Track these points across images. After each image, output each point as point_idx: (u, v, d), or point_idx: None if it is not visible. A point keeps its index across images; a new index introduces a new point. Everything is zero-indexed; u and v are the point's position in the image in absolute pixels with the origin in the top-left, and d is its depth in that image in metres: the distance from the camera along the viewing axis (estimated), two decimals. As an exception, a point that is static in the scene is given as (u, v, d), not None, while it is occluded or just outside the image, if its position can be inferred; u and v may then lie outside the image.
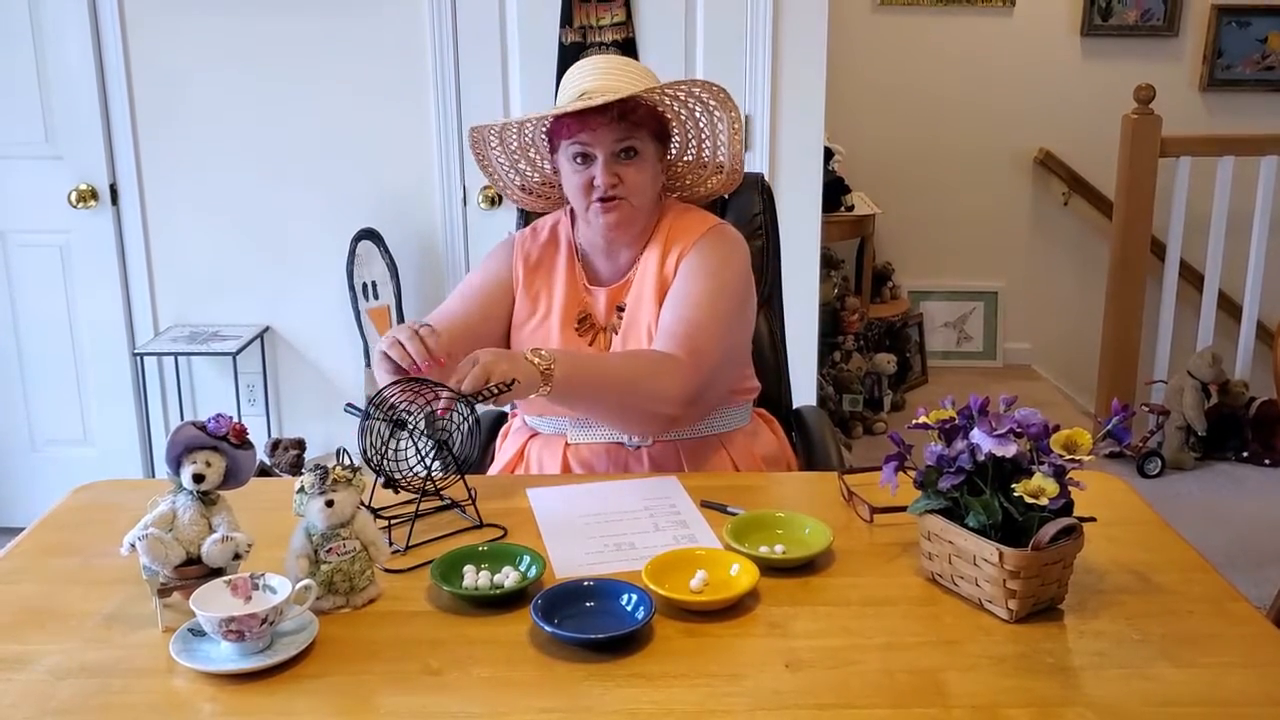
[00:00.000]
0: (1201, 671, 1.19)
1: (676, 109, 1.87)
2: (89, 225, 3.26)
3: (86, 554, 1.49)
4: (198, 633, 1.24)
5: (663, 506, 1.61)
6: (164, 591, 1.29)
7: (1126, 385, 4.16)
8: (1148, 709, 1.13)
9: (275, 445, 3.23)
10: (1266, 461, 4.04)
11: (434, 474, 1.55)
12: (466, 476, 1.57)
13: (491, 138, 1.92)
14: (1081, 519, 1.30)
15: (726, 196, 2.05)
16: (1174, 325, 4.22)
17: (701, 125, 1.90)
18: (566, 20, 3.09)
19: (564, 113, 1.77)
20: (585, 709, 1.14)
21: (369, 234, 3.23)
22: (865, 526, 1.55)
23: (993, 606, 1.30)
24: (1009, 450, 1.27)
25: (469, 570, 1.37)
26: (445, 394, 1.52)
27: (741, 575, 1.36)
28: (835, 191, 4.28)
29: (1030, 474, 1.28)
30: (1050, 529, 1.25)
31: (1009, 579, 1.27)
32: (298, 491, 1.32)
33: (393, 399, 1.51)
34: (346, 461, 1.36)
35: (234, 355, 3.16)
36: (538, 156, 1.95)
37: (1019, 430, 1.29)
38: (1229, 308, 4.59)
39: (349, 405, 1.55)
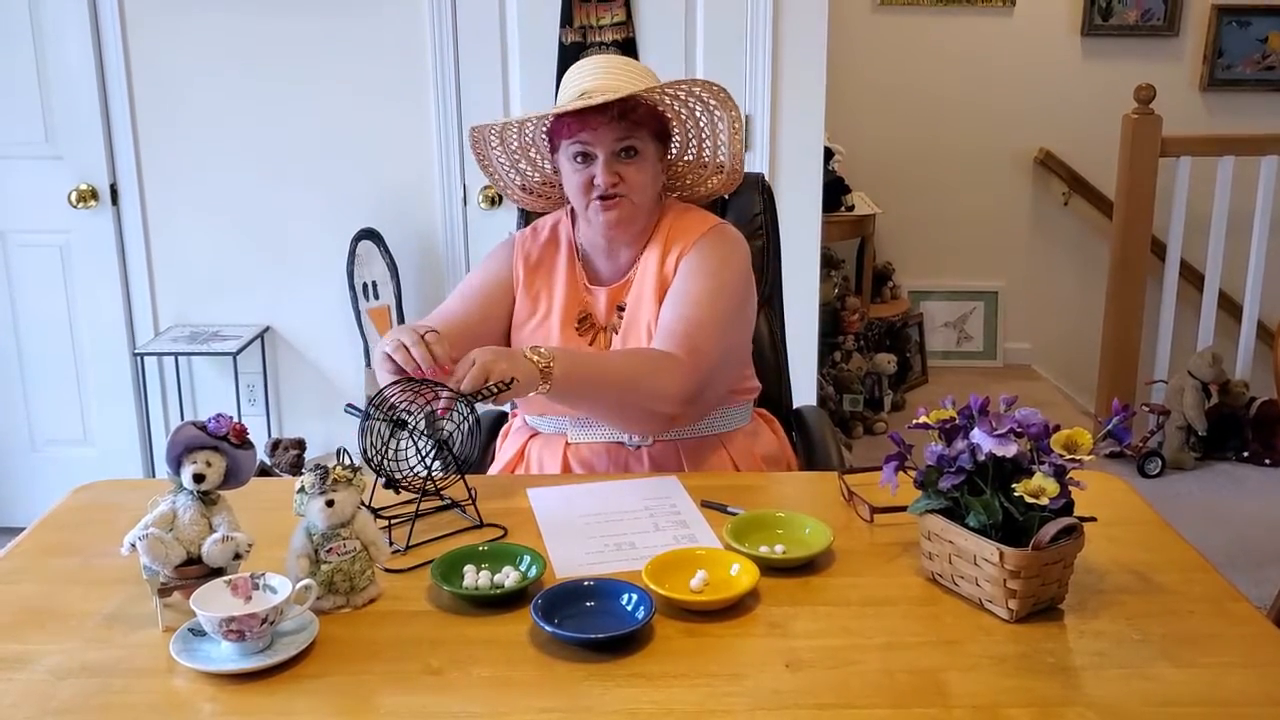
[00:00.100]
0: (1202, 671, 1.19)
1: (677, 108, 1.87)
2: (89, 225, 3.26)
3: (87, 554, 1.49)
4: (198, 632, 1.24)
5: (663, 506, 1.61)
6: (164, 591, 1.29)
7: (1127, 385, 4.16)
8: (1148, 709, 1.13)
9: (275, 445, 3.23)
10: (1267, 461, 4.04)
11: (434, 474, 1.55)
12: (467, 476, 1.57)
13: (492, 137, 1.92)
14: (1082, 519, 1.30)
15: (727, 196, 2.05)
16: (1174, 325, 4.22)
17: (702, 125, 1.90)
18: (566, 20, 3.09)
19: (564, 112, 1.77)
20: (585, 709, 1.14)
21: (369, 234, 3.23)
22: (865, 526, 1.55)
23: (993, 606, 1.30)
24: (1009, 450, 1.27)
25: (469, 570, 1.37)
26: (445, 394, 1.52)
27: (742, 575, 1.36)
28: (835, 191, 4.28)
29: (1031, 474, 1.28)
30: (1051, 529, 1.25)
31: (1009, 579, 1.27)
32: (298, 491, 1.32)
33: (393, 399, 1.51)
34: (347, 461, 1.36)
35: (234, 355, 3.16)
36: (538, 156, 1.95)
37: (1019, 430, 1.29)
38: (1229, 308, 4.59)
39: (349, 405, 1.55)
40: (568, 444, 1.85)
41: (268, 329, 3.34)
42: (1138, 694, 1.15)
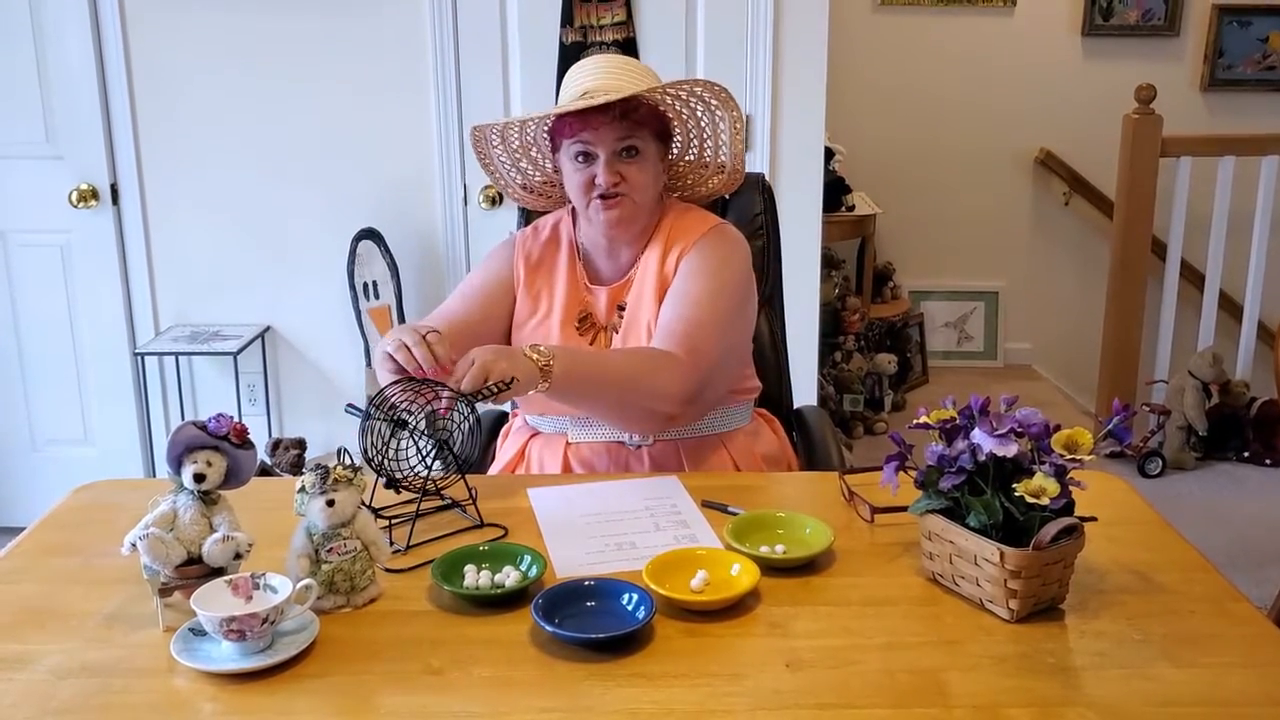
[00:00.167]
0: (1202, 671, 1.19)
1: (678, 108, 1.87)
2: (90, 225, 3.26)
3: (87, 554, 1.49)
4: (199, 632, 1.24)
5: (663, 506, 1.61)
6: (165, 591, 1.29)
7: (1127, 385, 4.16)
8: (1149, 709, 1.13)
9: (276, 445, 3.23)
10: (1267, 461, 4.04)
11: (435, 474, 1.55)
12: (467, 476, 1.57)
13: (493, 136, 1.92)
14: (1082, 519, 1.30)
15: (727, 196, 2.05)
16: (1175, 325, 4.22)
17: (703, 125, 1.90)
18: (567, 20, 3.09)
19: (566, 111, 1.77)
20: (586, 709, 1.14)
21: (369, 233, 3.23)
22: (866, 526, 1.55)
23: (994, 606, 1.30)
24: (1010, 450, 1.27)
25: (470, 570, 1.37)
26: (446, 394, 1.52)
27: (742, 575, 1.35)
28: (836, 191, 4.28)
29: (1031, 474, 1.28)
30: (1051, 529, 1.25)
31: (1010, 579, 1.27)
32: (299, 491, 1.32)
33: (393, 399, 1.51)
34: (347, 461, 1.36)
35: (235, 355, 3.16)
36: (539, 155, 1.95)
37: (1020, 430, 1.29)
38: (1230, 308, 4.59)
39: (350, 405, 1.55)
40: (568, 444, 1.85)
41: (268, 329, 3.34)
42: (1138, 694, 1.15)
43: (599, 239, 1.89)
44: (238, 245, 3.28)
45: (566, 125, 1.79)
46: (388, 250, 3.24)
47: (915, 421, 1.39)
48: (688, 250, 1.85)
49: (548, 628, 1.24)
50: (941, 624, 1.29)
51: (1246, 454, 4.08)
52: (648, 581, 1.32)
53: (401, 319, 3.27)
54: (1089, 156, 4.91)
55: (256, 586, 1.27)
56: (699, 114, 1.88)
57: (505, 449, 1.96)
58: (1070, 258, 5.15)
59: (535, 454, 1.89)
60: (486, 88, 3.14)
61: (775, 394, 2.17)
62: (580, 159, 1.80)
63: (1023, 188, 5.12)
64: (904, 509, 1.43)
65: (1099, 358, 4.30)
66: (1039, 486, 1.25)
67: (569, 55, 3.05)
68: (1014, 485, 1.27)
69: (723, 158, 1.94)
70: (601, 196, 1.80)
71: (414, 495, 1.55)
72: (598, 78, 1.79)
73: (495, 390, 1.51)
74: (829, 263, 4.44)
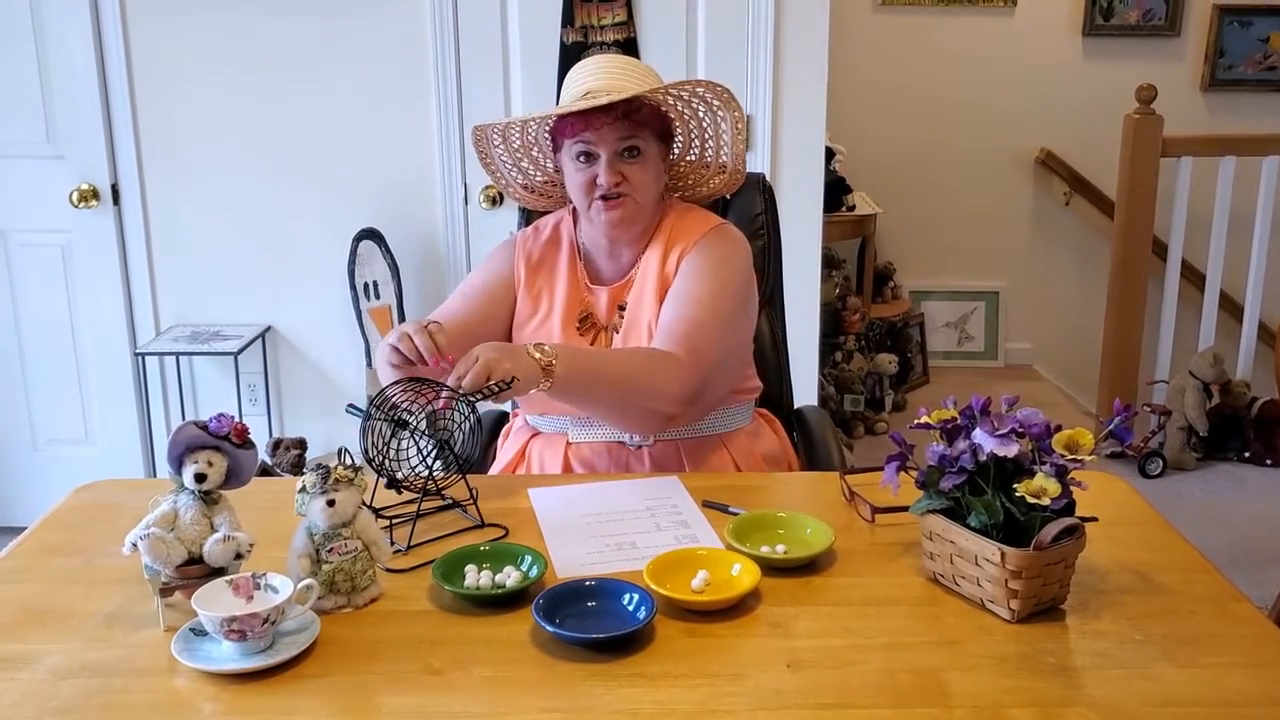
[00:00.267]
0: (1203, 672, 1.19)
1: (680, 109, 1.87)
2: (90, 225, 3.26)
3: (88, 554, 1.49)
4: (199, 632, 1.24)
5: (664, 506, 1.61)
6: (166, 591, 1.29)
7: (1128, 385, 4.16)
8: (1149, 709, 1.13)
9: (277, 445, 3.23)
10: (1268, 462, 4.04)
11: (435, 474, 1.55)
12: (468, 476, 1.57)
13: (494, 136, 1.92)
14: (1083, 519, 1.30)
15: (728, 196, 2.05)
16: (1175, 325, 4.22)
17: (705, 125, 1.90)
18: (568, 20, 3.09)
19: (568, 111, 1.77)
20: (587, 709, 1.14)
21: (370, 234, 3.23)
22: (867, 526, 1.55)
23: (994, 606, 1.30)
24: (1011, 450, 1.27)
25: (470, 570, 1.37)
26: (445, 392, 1.52)
27: (743, 575, 1.35)
28: (836, 191, 4.28)
29: (1032, 474, 1.28)
30: (1052, 529, 1.25)
31: (1011, 579, 1.27)
32: (299, 491, 1.32)
33: (394, 398, 1.51)
34: (348, 461, 1.36)
35: (235, 355, 3.16)
36: (540, 155, 1.95)
37: (1021, 430, 1.29)
38: (1230, 308, 4.59)
39: (350, 406, 1.55)
40: (569, 444, 1.85)
41: (269, 329, 3.34)
42: (1139, 694, 1.15)
43: (600, 239, 1.89)
44: (238, 245, 3.28)
45: (568, 125, 1.79)
46: (388, 250, 3.24)
47: (916, 422, 1.39)
48: (689, 250, 1.85)
49: (548, 628, 1.24)
50: (942, 624, 1.29)
51: (1247, 454, 4.08)
52: (648, 581, 1.32)
53: (402, 319, 3.27)
54: (1089, 156, 4.91)
55: (257, 586, 1.27)
56: (700, 114, 1.88)
57: (506, 449, 1.96)
58: (1071, 258, 5.15)
59: (536, 454, 1.89)
60: (487, 88, 3.14)
61: (776, 394, 2.17)
62: (582, 159, 1.80)
63: (1023, 188, 5.12)
64: (905, 509, 1.43)
65: (1100, 358, 4.29)
66: (1040, 487, 1.25)
67: (570, 55, 3.05)
68: (1015, 485, 1.27)
69: (724, 158, 1.94)
70: (603, 197, 1.80)
71: (415, 495, 1.55)
72: (600, 78, 1.79)
73: (496, 389, 1.51)
74: (829, 263, 4.44)
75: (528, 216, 2.11)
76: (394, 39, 3.14)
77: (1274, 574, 3.17)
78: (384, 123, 3.19)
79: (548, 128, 1.87)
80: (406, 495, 1.57)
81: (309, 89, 3.17)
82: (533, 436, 1.91)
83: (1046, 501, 1.25)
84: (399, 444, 1.51)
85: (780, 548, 1.43)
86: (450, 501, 1.60)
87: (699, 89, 1.83)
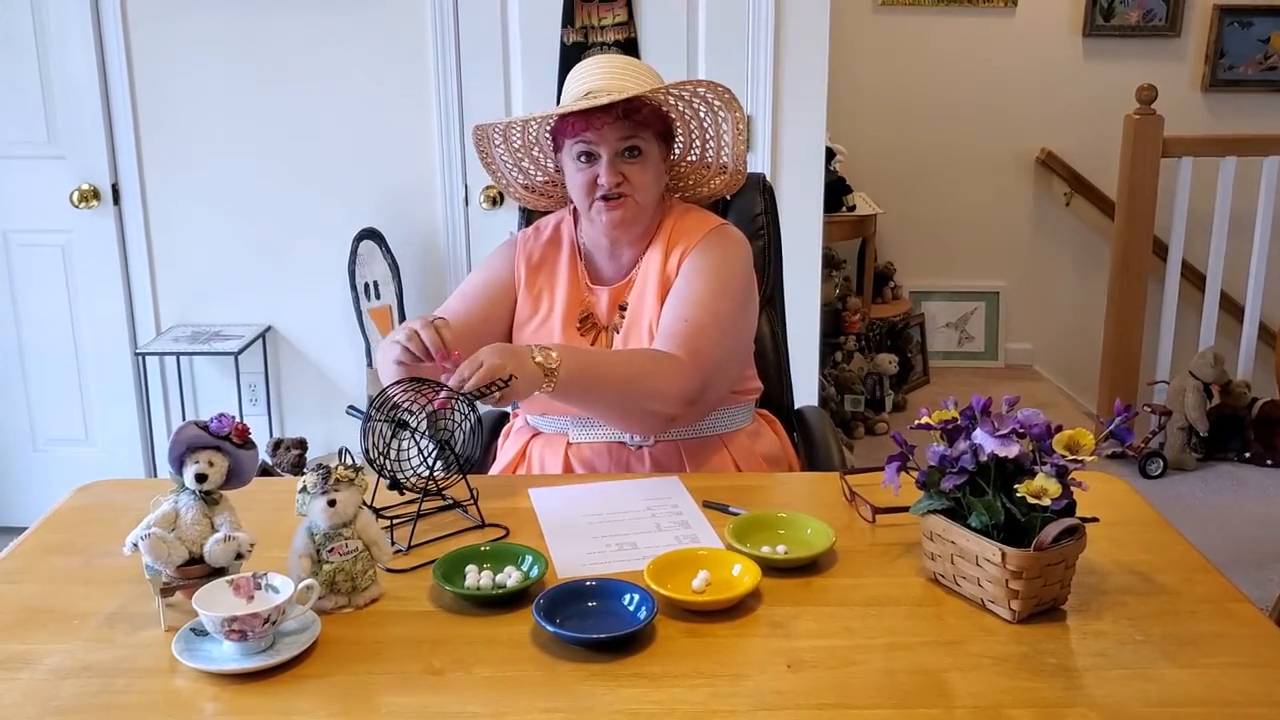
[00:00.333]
0: (1203, 672, 1.19)
1: (681, 109, 1.87)
2: (91, 225, 3.26)
3: (89, 554, 1.49)
4: (200, 632, 1.24)
5: (665, 506, 1.61)
6: (166, 591, 1.29)
7: (1128, 386, 4.16)
8: (1150, 709, 1.13)
9: (277, 445, 3.23)
10: (1268, 462, 4.04)
11: (436, 474, 1.55)
12: (468, 476, 1.57)
13: (495, 135, 1.92)
14: (1084, 519, 1.30)
15: (729, 197, 2.05)
16: (1176, 326, 4.22)
17: (706, 126, 1.90)
18: (568, 20, 3.09)
19: (569, 111, 1.77)
20: (587, 709, 1.14)
21: (371, 234, 3.23)
22: (867, 527, 1.55)
23: (995, 607, 1.30)
24: (1012, 451, 1.27)
25: (471, 570, 1.37)
26: (444, 393, 1.52)
27: (743, 575, 1.35)
28: (837, 192, 4.28)
29: (1033, 474, 1.28)
30: (1053, 529, 1.25)
31: (1011, 579, 1.27)
32: (300, 491, 1.32)
33: (394, 398, 1.51)
34: (349, 461, 1.36)
35: (236, 355, 3.16)
36: (541, 155, 1.95)
37: (1022, 431, 1.29)
38: (1231, 308, 4.59)
39: (351, 407, 1.55)
40: (569, 444, 1.85)
41: (269, 329, 3.34)
42: (1139, 694, 1.15)
43: (601, 239, 1.89)
44: (239, 245, 3.28)
45: (569, 125, 1.79)
46: (389, 250, 3.24)
47: (916, 422, 1.39)
48: (690, 250, 1.85)
49: (549, 628, 1.24)
50: (943, 624, 1.29)
51: (1247, 455, 4.08)
52: (649, 582, 1.32)
53: (403, 319, 3.27)
54: (1090, 157, 4.91)
55: (258, 586, 1.27)
56: (702, 114, 1.88)
57: (506, 449, 1.96)
58: (1071, 258, 5.15)
59: (536, 454, 1.89)
60: (487, 88, 3.14)
61: (776, 394, 2.17)
62: (583, 159, 1.80)
63: (1024, 188, 5.12)
64: (905, 509, 1.43)
65: (1100, 358, 4.30)
66: (1040, 487, 1.25)
67: (570, 56, 3.05)
68: (1015, 486, 1.27)
69: (724, 159, 1.94)
70: (604, 197, 1.80)
71: (415, 495, 1.55)
72: (601, 78, 1.79)
73: (494, 390, 1.52)
74: (830, 263, 4.44)
75: (528, 217, 2.11)
76: (394, 39, 3.14)
77: (1274, 574, 3.17)
78: (384, 123, 3.19)
79: (549, 127, 1.87)
80: (407, 495, 1.57)
81: (309, 89, 3.17)
82: (533, 437, 1.91)
83: (1047, 502, 1.25)
84: (399, 444, 1.51)
85: (781, 548, 1.43)
86: (451, 502, 1.60)
87: (700, 89, 1.83)
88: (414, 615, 1.32)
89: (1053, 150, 5.00)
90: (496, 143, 1.94)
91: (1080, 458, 1.28)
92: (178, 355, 3.29)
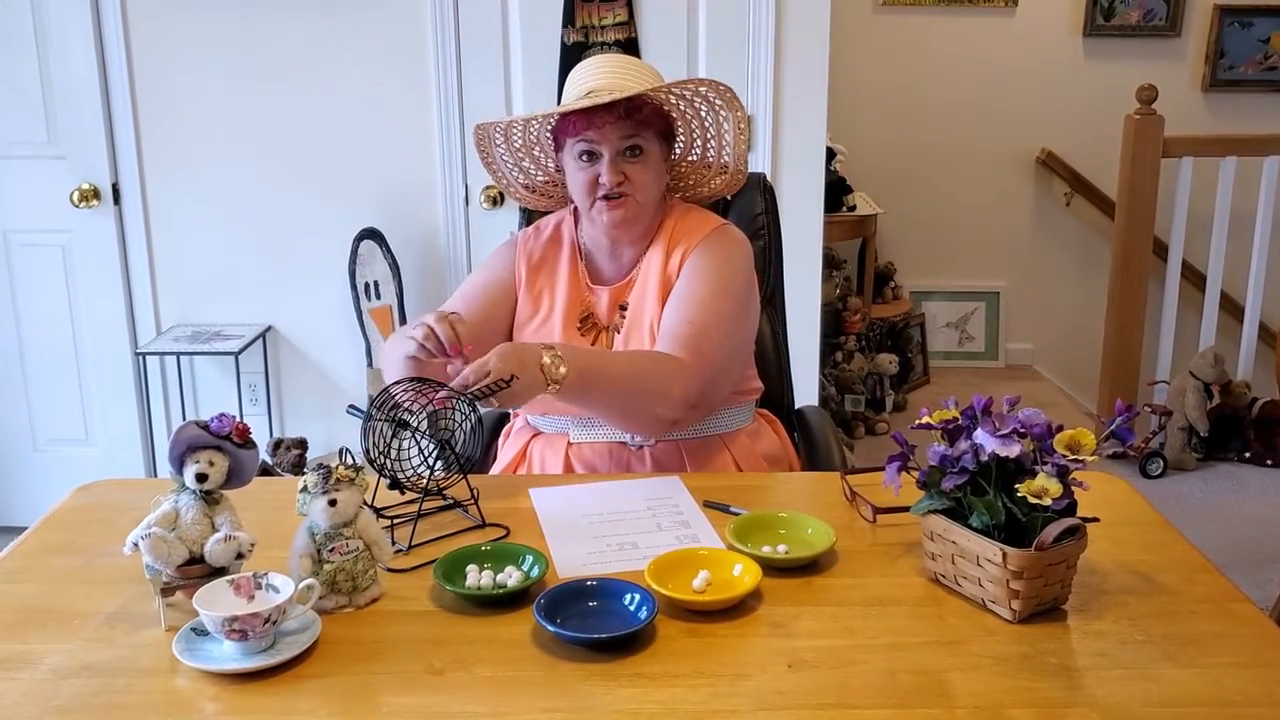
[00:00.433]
0: (1204, 672, 1.19)
1: (682, 108, 1.87)
2: (91, 225, 3.26)
3: (89, 553, 1.49)
4: (200, 632, 1.24)
5: (665, 506, 1.61)
6: (167, 591, 1.29)
7: (1128, 386, 4.16)
8: (1150, 709, 1.13)
9: (277, 445, 3.23)
10: (1269, 462, 4.04)
11: (436, 474, 1.55)
12: (469, 476, 1.57)
13: (496, 135, 1.92)
14: (1085, 519, 1.30)
15: (729, 197, 2.05)
16: (1176, 326, 4.22)
17: (707, 125, 1.90)
18: (569, 20, 3.09)
19: (570, 110, 1.77)
20: (588, 709, 1.14)
21: (371, 234, 3.23)
22: (868, 527, 1.54)
23: (996, 607, 1.30)
24: (1013, 450, 1.27)
25: (472, 570, 1.37)
26: (444, 393, 1.52)
27: (744, 575, 1.35)
28: (837, 191, 4.28)
29: (1033, 474, 1.27)
30: (1054, 529, 1.25)
31: (1012, 579, 1.27)
32: (301, 491, 1.32)
33: (395, 398, 1.51)
34: (350, 461, 1.36)
35: (236, 355, 3.16)
36: (542, 155, 1.95)
37: (1022, 430, 1.29)
38: (1231, 308, 4.59)
39: (351, 407, 1.55)
40: (570, 444, 1.85)
41: (269, 329, 3.34)
42: (1140, 694, 1.15)
43: (601, 239, 1.89)
44: (239, 245, 3.28)
45: (570, 124, 1.79)
46: (389, 250, 3.24)
47: (917, 422, 1.39)
48: (691, 251, 1.84)
49: (550, 628, 1.24)
50: (944, 624, 1.29)
51: (1248, 455, 4.08)
52: (650, 582, 1.32)
53: (403, 319, 3.27)
54: (1090, 157, 4.91)
55: (258, 586, 1.27)
56: (703, 114, 1.88)
57: (507, 449, 1.96)
58: (1071, 258, 5.15)
59: (537, 454, 1.89)
60: (488, 88, 3.14)
61: (776, 394, 2.17)
62: (584, 158, 1.80)
63: (1024, 188, 5.12)
64: (906, 509, 1.43)
65: (1100, 358, 4.30)
66: (1041, 487, 1.25)
67: (570, 55, 3.05)
68: (1016, 486, 1.27)
69: (725, 158, 1.94)
70: (605, 197, 1.80)
71: (416, 495, 1.55)
72: (602, 77, 1.79)
73: (492, 390, 1.52)
74: (830, 263, 4.44)
75: (528, 216, 2.11)
76: (395, 39, 3.14)
77: (1275, 574, 3.17)
78: (385, 123, 3.19)
79: (549, 127, 1.87)
80: (408, 495, 1.57)
81: (310, 89, 3.17)
82: (534, 436, 1.91)
83: (1048, 502, 1.25)
84: (400, 444, 1.51)
85: (781, 548, 1.43)
86: (451, 501, 1.60)
87: (701, 88, 1.82)
88: (414, 615, 1.32)
89: (1053, 150, 5.00)
90: (497, 142, 1.94)
91: (1081, 458, 1.28)
92: (178, 355, 3.29)
